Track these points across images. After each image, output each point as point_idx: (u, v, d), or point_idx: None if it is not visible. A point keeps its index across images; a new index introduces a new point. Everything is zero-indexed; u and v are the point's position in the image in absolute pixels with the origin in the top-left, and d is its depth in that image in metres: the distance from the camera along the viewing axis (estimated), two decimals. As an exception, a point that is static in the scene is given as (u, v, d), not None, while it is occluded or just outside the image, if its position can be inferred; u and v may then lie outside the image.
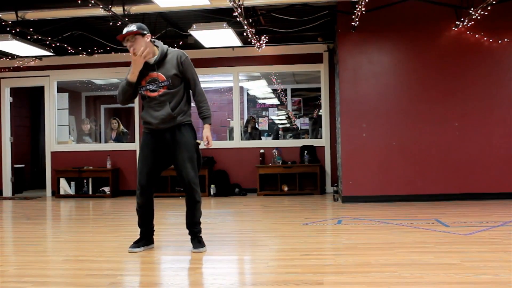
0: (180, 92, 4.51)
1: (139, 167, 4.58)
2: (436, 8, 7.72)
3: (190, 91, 4.62)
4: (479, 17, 7.27)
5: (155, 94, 4.46)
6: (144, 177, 4.52)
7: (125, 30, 4.41)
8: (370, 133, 8.03)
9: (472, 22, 7.55)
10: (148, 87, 4.48)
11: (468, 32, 7.87)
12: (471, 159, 7.88)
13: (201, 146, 4.57)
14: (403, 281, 3.45)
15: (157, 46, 4.53)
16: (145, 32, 4.43)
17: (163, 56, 4.50)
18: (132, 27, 4.39)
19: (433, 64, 7.98)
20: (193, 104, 4.65)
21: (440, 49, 7.98)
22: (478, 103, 7.89)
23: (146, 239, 4.73)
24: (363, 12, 7.15)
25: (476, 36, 7.86)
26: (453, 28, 7.89)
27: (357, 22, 7.55)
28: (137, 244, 4.68)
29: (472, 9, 7.14)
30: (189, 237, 4.70)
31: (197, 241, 4.62)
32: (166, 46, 4.57)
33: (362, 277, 3.58)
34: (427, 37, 8.00)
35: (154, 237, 4.84)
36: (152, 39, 4.54)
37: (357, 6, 6.98)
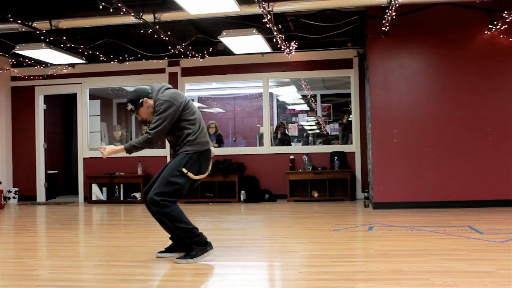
0: (174, 132, 4.51)
1: None
2: (468, 11, 7.61)
3: (189, 125, 4.51)
4: (513, 20, 7.15)
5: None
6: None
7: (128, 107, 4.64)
8: (401, 138, 7.94)
9: (506, 26, 7.41)
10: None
11: (501, 36, 7.73)
12: (505, 165, 7.73)
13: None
14: (437, 289, 3.40)
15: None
16: (141, 101, 4.52)
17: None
18: (129, 107, 4.57)
19: (465, 69, 7.87)
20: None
21: (473, 53, 7.87)
22: (511, 107, 7.76)
23: (174, 245, 4.74)
24: (394, 17, 7.08)
25: (510, 39, 7.72)
26: (486, 32, 7.77)
27: (388, 27, 7.49)
28: (165, 250, 4.73)
29: (505, 12, 7.01)
30: (217, 243, 4.73)
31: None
32: (158, 97, 4.51)
33: (394, 285, 3.53)
34: (459, 42, 7.90)
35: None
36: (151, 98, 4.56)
37: (387, 11, 6.92)
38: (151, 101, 4.52)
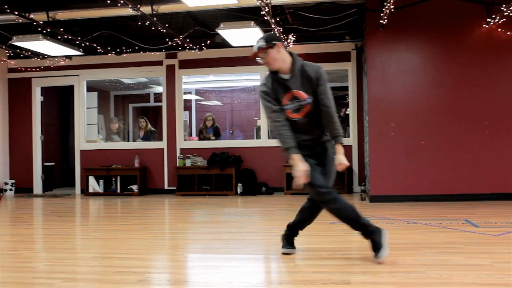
0: (319, 109, 4.07)
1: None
2: (466, 5, 7.60)
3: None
4: (511, 14, 7.14)
5: (298, 115, 4.06)
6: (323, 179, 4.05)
7: (255, 47, 4.05)
8: (398, 132, 7.95)
9: (504, 19, 7.41)
10: (289, 106, 4.05)
11: (499, 29, 7.73)
12: (501, 158, 7.74)
13: None
14: (432, 282, 3.40)
15: (292, 56, 4.10)
16: (275, 42, 4.03)
17: (299, 71, 4.06)
18: (261, 43, 4.01)
19: (463, 62, 7.87)
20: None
21: (471, 46, 7.86)
22: (509, 101, 7.75)
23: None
24: (392, 10, 7.07)
25: (508, 33, 7.72)
26: (484, 25, 7.76)
27: (386, 20, 7.48)
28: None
29: (504, 5, 7.01)
30: (214, 235, 4.69)
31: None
32: (300, 60, 4.13)
33: (390, 277, 3.54)
34: (457, 35, 7.89)
35: (184, 235, 4.84)
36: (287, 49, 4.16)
37: (385, 3, 6.92)
38: (283, 50, 4.04)
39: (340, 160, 4.03)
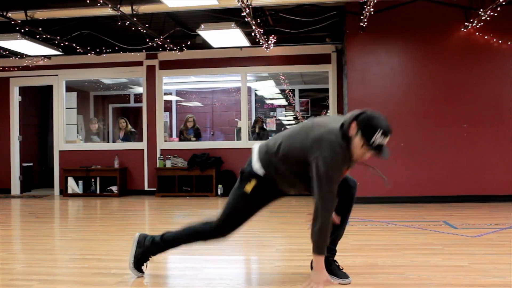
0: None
1: None
2: (445, 9, 7.68)
3: None
4: (488, 18, 7.23)
5: None
6: None
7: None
8: (378, 134, 7.98)
9: (482, 23, 7.50)
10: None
11: (477, 33, 7.83)
12: (480, 161, 7.84)
13: None
14: (410, 283, 3.43)
15: None
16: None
17: None
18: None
19: (441, 65, 7.95)
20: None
21: (449, 50, 7.95)
22: (487, 104, 7.85)
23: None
24: (372, 13, 7.12)
25: (485, 37, 7.82)
26: (462, 29, 7.85)
27: (366, 23, 7.53)
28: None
29: (481, 10, 7.10)
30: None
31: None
32: None
33: (369, 279, 3.57)
34: (436, 38, 7.97)
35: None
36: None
37: (365, 6, 6.96)
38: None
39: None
